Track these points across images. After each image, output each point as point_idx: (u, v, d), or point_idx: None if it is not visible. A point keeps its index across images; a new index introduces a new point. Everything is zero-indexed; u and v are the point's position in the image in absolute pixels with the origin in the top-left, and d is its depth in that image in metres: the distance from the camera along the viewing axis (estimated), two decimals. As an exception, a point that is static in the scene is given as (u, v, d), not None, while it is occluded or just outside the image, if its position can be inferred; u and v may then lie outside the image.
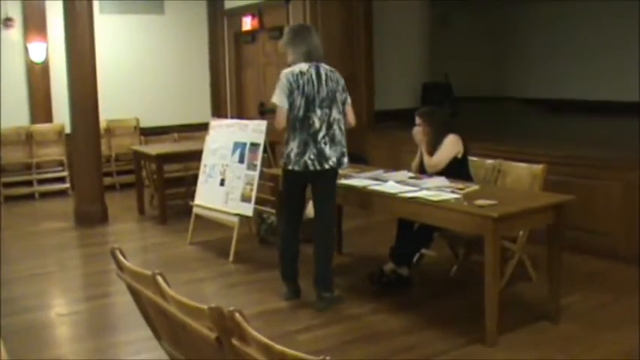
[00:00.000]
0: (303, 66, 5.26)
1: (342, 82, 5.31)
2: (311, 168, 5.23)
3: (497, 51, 15.41)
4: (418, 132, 5.85)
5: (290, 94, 5.19)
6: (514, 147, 7.36)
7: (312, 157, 5.22)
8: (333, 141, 5.24)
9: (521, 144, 7.77)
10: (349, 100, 5.34)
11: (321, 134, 5.21)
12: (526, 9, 14.77)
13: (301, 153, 5.22)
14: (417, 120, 5.88)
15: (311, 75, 5.24)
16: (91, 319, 5.46)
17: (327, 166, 5.22)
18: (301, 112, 5.19)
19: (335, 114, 5.26)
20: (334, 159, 5.25)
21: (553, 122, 12.08)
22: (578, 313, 5.13)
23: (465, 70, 14.37)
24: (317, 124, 5.21)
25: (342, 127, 5.30)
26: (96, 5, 9.66)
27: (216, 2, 12.19)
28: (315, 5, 9.59)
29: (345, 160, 5.31)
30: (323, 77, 5.25)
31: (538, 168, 5.69)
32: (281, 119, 5.24)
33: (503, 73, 15.36)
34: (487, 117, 12.88)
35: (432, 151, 5.80)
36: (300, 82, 5.20)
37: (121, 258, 3.01)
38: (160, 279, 2.61)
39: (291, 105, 5.20)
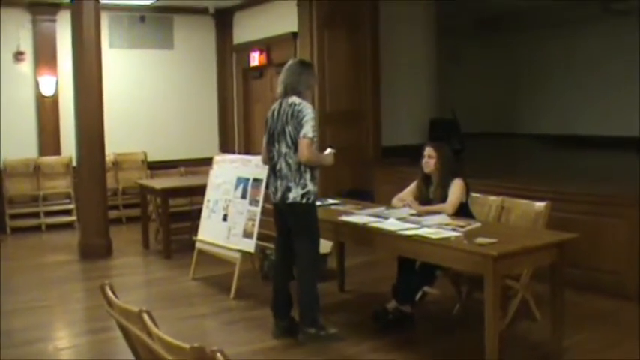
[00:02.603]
0: (276, 102, 5.41)
1: (300, 115, 5.14)
2: (274, 201, 5.41)
3: (505, 87, 15.45)
4: (431, 163, 5.81)
5: (265, 129, 5.45)
6: (519, 184, 7.32)
7: (273, 190, 5.38)
8: (280, 175, 5.27)
9: (525, 181, 7.74)
10: (304, 134, 5.10)
11: (277, 168, 5.30)
12: (534, 45, 14.83)
13: (271, 186, 5.42)
14: (430, 151, 5.85)
15: (273, 110, 5.38)
16: (90, 353, 5.42)
17: (286, 200, 5.25)
18: (268, 147, 5.40)
19: (283, 148, 5.24)
20: (280, 194, 5.27)
21: (559, 158, 12.05)
22: (582, 353, 5.05)
23: (472, 106, 14.39)
24: (275, 157, 5.32)
25: (290, 161, 5.20)
26: (105, 39, 9.75)
27: (224, 38, 12.28)
28: (323, 40, 9.63)
29: (291, 195, 5.20)
30: (281, 112, 5.28)
31: (542, 205, 5.64)
32: (262, 154, 5.60)
33: (510, 109, 15.39)
34: (493, 153, 12.86)
35: (439, 184, 5.78)
36: (269, 117, 5.41)
37: (110, 294, 2.98)
38: (146, 316, 2.57)
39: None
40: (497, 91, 15.55)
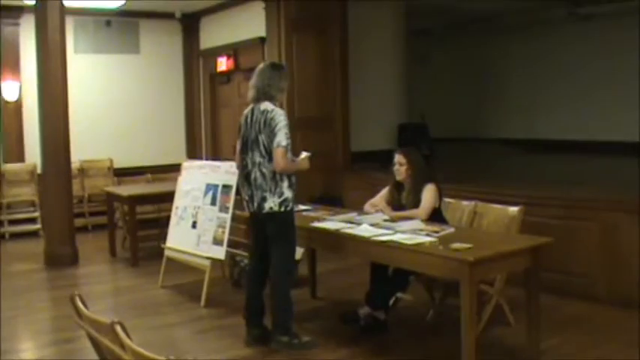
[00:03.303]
0: (248, 107, 5.31)
1: (273, 123, 5.05)
2: (250, 210, 5.32)
3: (474, 92, 15.48)
4: (402, 170, 5.75)
5: (239, 136, 5.35)
6: (491, 188, 7.30)
7: (247, 198, 5.31)
8: (255, 185, 5.17)
9: (498, 185, 7.72)
10: (278, 142, 5.01)
11: (251, 177, 5.20)
12: (503, 49, 14.90)
13: (246, 195, 5.31)
14: (400, 158, 5.78)
15: (246, 117, 5.29)
16: (57, 366, 5.28)
17: (263, 210, 5.15)
18: (241, 155, 5.30)
19: (257, 157, 5.15)
20: (256, 203, 5.18)
21: (530, 163, 12.11)
22: (558, 357, 5.03)
23: (441, 111, 14.41)
24: (249, 166, 5.22)
25: (265, 170, 5.11)
26: (70, 44, 9.59)
27: (191, 42, 12.17)
28: (291, 44, 9.56)
29: (267, 205, 5.12)
30: (254, 119, 5.19)
31: (515, 210, 5.60)
32: (236, 161, 5.49)
33: (480, 114, 15.42)
34: (464, 158, 12.86)
35: (411, 189, 5.72)
36: (242, 123, 5.31)
37: (80, 305, 2.87)
38: (118, 328, 2.47)
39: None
40: (464, 96, 15.58)
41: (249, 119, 5.24)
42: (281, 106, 5.30)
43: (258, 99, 5.21)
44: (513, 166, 11.59)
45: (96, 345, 2.90)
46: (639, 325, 5.53)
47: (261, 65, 5.43)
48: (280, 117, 5.09)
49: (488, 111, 15.34)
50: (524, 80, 14.55)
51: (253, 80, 5.29)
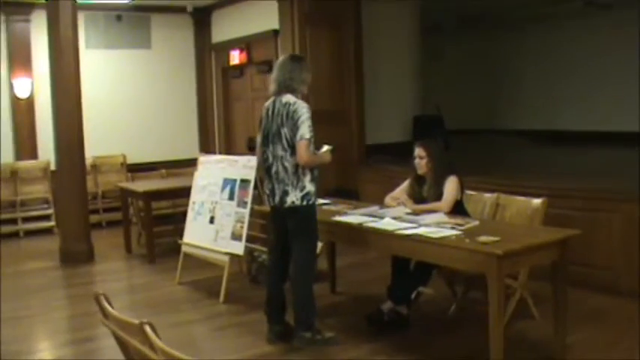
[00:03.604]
0: (270, 100, 5.22)
1: (295, 116, 4.96)
2: (271, 204, 5.24)
3: (489, 83, 15.36)
4: (423, 163, 5.66)
5: (259, 129, 5.26)
6: (510, 180, 7.21)
7: (267, 192, 5.24)
8: (277, 179, 5.09)
9: (517, 177, 7.63)
10: (301, 135, 4.93)
11: (273, 170, 5.13)
12: (517, 40, 14.77)
13: (267, 188, 5.25)
14: (420, 151, 5.69)
15: (268, 109, 5.19)
16: (76, 365, 5.21)
17: (284, 204, 5.08)
18: (262, 148, 5.22)
19: (279, 150, 5.07)
20: (278, 197, 5.11)
21: (547, 154, 11.97)
22: (584, 352, 4.93)
23: (456, 103, 14.28)
24: (270, 159, 5.15)
25: (287, 164, 5.03)
26: (81, 40, 9.52)
27: (203, 36, 12.09)
28: (305, 38, 9.47)
29: (289, 199, 5.04)
30: (275, 112, 5.10)
31: (539, 202, 5.52)
32: (257, 155, 5.46)
33: (495, 105, 15.30)
34: (480, 150, 12.73)
35: (433, 182, 5.64)
36: (263, 116, 5.22)
37: (106, 305, 2.80)
38: (148, 329, 2.39)
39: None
40: (480, 87, 15.46)
41: (270, 112, 5.15)
42: (304, 99, 5.20)
43: (279, 92, 5.12)
44: (529, 158, 11.46)
45: (122, 345, 2.83)
46: (666, 318, 5.45)
47: (281, 58, 5.36)
48: (303, 109, 5.00)
49: (502, 103, 15.22)
50: (538, 72, 14.41)
51: (274, 74, 5.20)
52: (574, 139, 12.90)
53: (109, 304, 2.83)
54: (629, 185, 6.63)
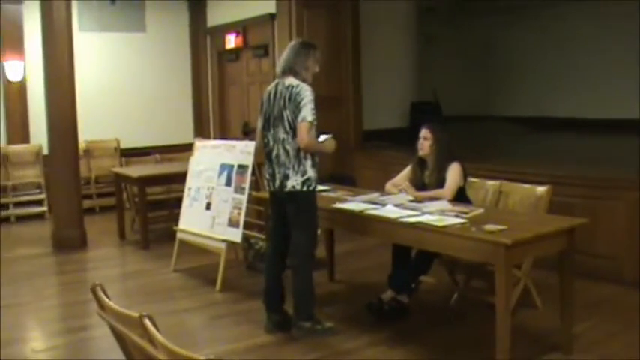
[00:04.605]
0: (272, 83, 5.16)
1: (298, 98, 4.86)
2: (270, 189, 5.14)
3: (485, 69, 15.24)
4: (426, 145, 5.54)
5: (260, 112, 5.16)
6: (511, 167, 7.11)
7: (267, 176, 5.15)
8: (278, 162, 4.99)
9: (518, 164, 7.51)
10: (302, 117, 4.83)
11: (273, 154, 5.02)
12: (513, 26, 14.63)
13: (267, 173, 5.15)
14: (426, 133, 5.58)
15: (269, 92, 5.10)
16: (70, 354, 5.06)
17: (284, 189, 4.97)
18: (262, 132, 5.13)
19: (280, 133, 4.95)
20: (278, 182, 5.00)
21: (547, 141, 11.87)
22: (589, 343, 4.84)
23: (452, 89, 14.14)
24: (271, 143, 5.04)
25: (289, 147, 4.92)
26: (75, 23, 9.34)
27: (198, 20, 11.91)
28: (302, 22, 9.31)
29: (289, 183, 4.92)
30: (278, 94, 5.00)
31: (543, 189, 5.42)
32: (256, 138, 5.40)
33: (491, 91, 15.19)
34: (478, 136, 12.61)
35: (435, 168, 5.53)
36: (264, 99, 5.12)
37: (103, 296, 2.66)
38: (148, 322, 2.26)
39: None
40: (475, 73, 15.33)
41: (272, 95, 5.04)
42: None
43: (283, 73, 5.03)
44: (529, 145, 11.37)
45: (120, 339, 2.70)
46: (671, 308, 5.35)
47: (293, 41, 5.31)
48: (306, 92, 4.89)
49: (498, 88, 15.11)
50: (537, 57, 14.28)
51: (283, 54, 5.14)
52: (569, 126, 12.81)
53: (106, 294, 2.70)
54: (630, 173, 6.52)
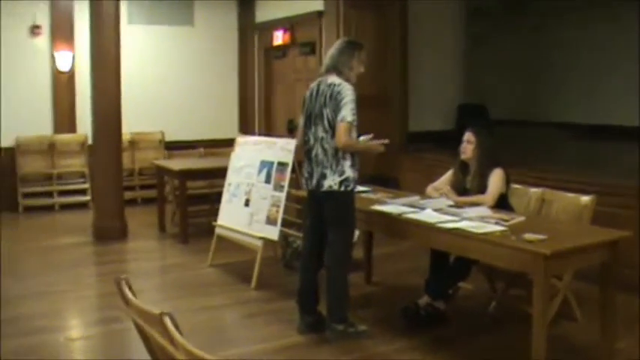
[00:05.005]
0: (315, 81, 5.10)
1: (339, 97, 4.80)
2: (308, 187, 5.08)
3: (535, 73, 14.96)
4: (469, 149, 5.44)
5: (302, 110, 5.11)
6: (555, 174, 6.95)
7: (306, 175, 5.08)
8: (316, 161, 4.92)
9: (562, 171, 7.34)
10: (342, 117, 4.76)
11: (312, 153, 4.96)
12: (567, 30, 14.33)
13: (305, 171, 5.08)
14: (470, 136, 5.48)
15: (312, 90, 5.04)
16: (103, 345, 5.08)
17: (321, 188, 4.90)
18: (303, 130, 5.07)
19: (320, 132, 4.90)
20: (315, 180, 4.93)
21: (592, 149, 11.60)
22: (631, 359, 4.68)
23: (500, 93, 13.91)
24: (311, 141, 4.98)
25: (327, 146, 4.86)
26: (124, 15, 9.41)
27: (247, 15, 11.89)
28: (349, 20, 9.23)
29: (327, 183, 4.86)
30: (320, 92, 4.94)
31: (587, 199, 5.26)
32: (297, 136, 5.33)
33: (540, 96, 14.90)
34: (524, 141, 12.38)
35: (477, 173, 5.43)
36: (307, 97, 5.07)
37: (127, 291, 2.63)
38: (168, 321, 2.22)
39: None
40: (525, 77, 15.05)
41: (314, 93, 4.99)
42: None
43: (327, 71, 4.99)
44: (573, 152, 11.12)
45: (143, 336, 2.66)
46: None
47: (340, 40, 5.26)
48: (348, 91, 4.82)
49: (547, 94, 14.81)
50: (586, 63, 13.97)
51: (328, 52, 5.11)
52: (620, 134, 12.48)
53: (130, 289, 2.67)
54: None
